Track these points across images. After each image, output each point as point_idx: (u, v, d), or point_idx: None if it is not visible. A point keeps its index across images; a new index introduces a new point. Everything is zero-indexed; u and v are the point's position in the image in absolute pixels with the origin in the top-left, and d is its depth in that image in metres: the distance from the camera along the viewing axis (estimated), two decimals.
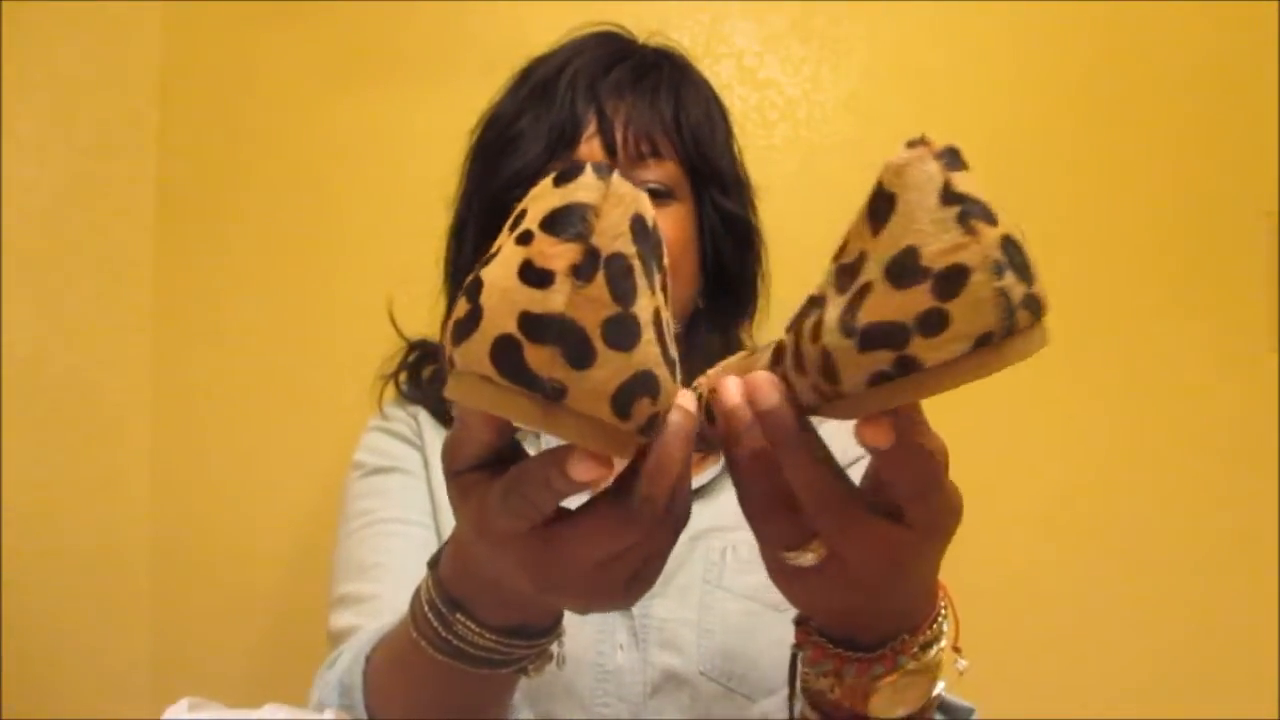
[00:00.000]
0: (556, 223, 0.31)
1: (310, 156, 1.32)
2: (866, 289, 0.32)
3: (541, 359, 0.31)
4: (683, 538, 0.73)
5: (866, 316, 0.32)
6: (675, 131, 0.78)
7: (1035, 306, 0.32)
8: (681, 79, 0.81)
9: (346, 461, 0.90)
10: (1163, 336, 1.22)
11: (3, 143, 1.24)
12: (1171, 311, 1.22)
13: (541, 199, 0.32)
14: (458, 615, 0.46)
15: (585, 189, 0.31)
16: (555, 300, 0.31)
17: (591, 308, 0.31)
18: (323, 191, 1.30)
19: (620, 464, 0.36)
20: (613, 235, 0.31)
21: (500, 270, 0.32)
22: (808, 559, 0.41)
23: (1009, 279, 0.31)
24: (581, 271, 0.31)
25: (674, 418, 0.36)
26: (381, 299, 0.96)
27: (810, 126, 1.29)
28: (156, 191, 1.34)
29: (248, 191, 1.33)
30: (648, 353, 0.32)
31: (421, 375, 0.89)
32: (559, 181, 0.32)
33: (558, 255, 0.31)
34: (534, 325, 0.31)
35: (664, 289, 0.34)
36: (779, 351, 0.39)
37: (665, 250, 0.35)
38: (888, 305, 0.32)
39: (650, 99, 0.78)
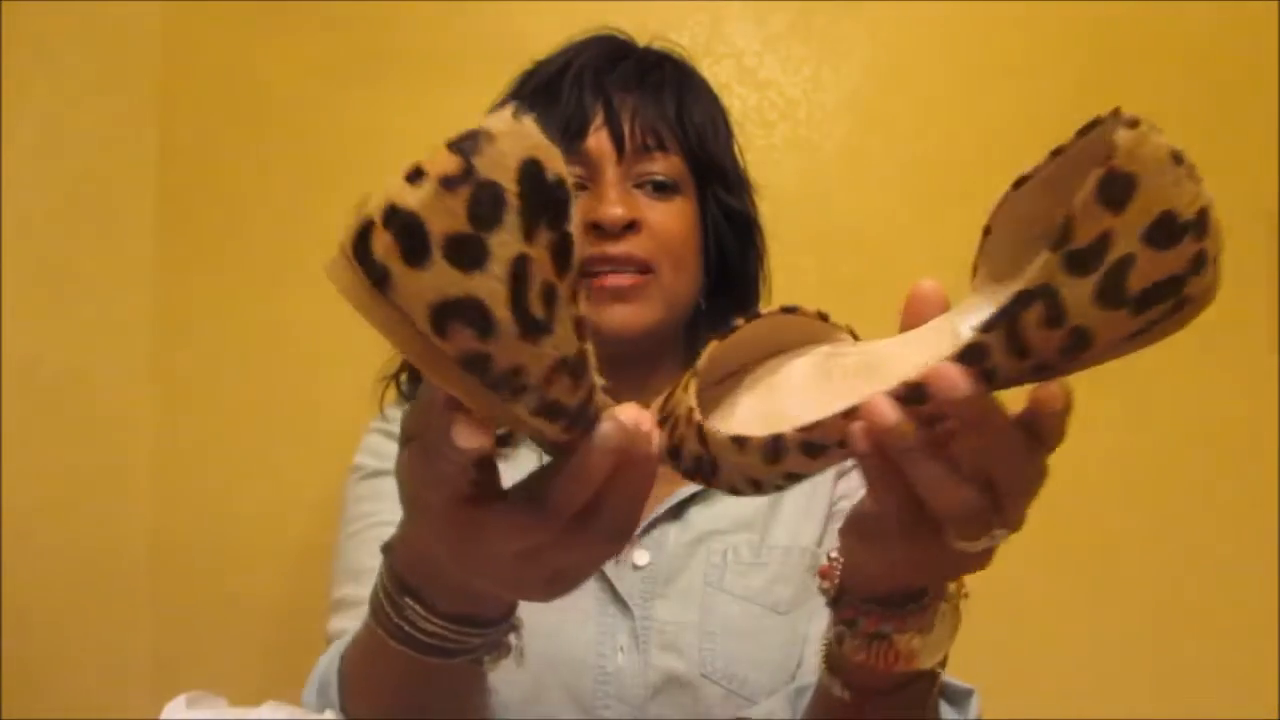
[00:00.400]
0: (457, 139, 0.32)
1: (310, 156, 1.32)
2: (1128, 261, 0.35)
3: (382, 244, 0.32)
4: (683, 540, 0.73)
5: (1139, 283, 0.35)
6: (680, 128, 0.78)
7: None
8: (684, 80, 0.82)
9: (347, 462, 0.90)
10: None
11: (3, 143, 1.24)
12: None
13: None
14: (407, 600, 0.45)
15: (497, 120, 0.32)
16: (414, 197, 0.32)
17: (442, 217, 0.31)
18: (323, 191, 1.30)
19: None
20: (495, 164, 0.31)
21: (399, 172, 0.33)
22: (985, 541, 0.41)
23: (1211, 240, 0.37)
24: (450, 182, 0.31)
25: (604, 428, 0.35)
26: None
27: (810, 126, 1.29)
28: (157, 192, 1.34)
29: (248, 192, 1.33)
30: (490, 287, 0.32)
31: (423, 377, 0.89)
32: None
33: (438, 163, 0.32)
34: (389, 214, 0.32)
35: (556, 259, 0.33)
36: (975, 350, 0.38)
37: (574, 242, 0.34)
38: (1158, 266, 0.35)
39: (655, 95, 0.78)
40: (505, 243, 0.32)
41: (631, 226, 0.75)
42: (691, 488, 0.77)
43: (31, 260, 1.26)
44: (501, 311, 0.32)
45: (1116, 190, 0.34)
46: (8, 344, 1.24)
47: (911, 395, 0.38)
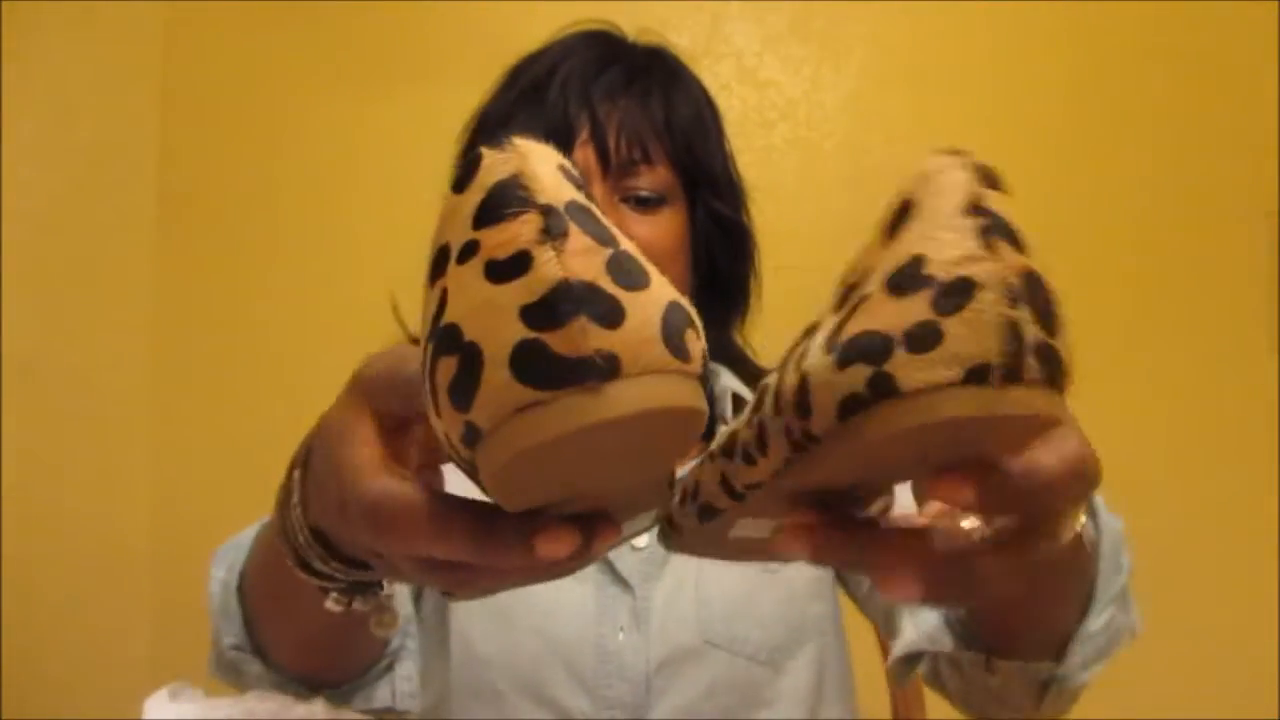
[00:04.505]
0: (492, 211, 0.27)
1: (310, 156, 1.32)
2: (863, 301, 0.29)
3: (572, 339, 0.26)
4: None
5: (853, 328, 0.28)
6: (667, 135, 0.78)
7: (1053, 362, 0.27)
8: (672, 81, 0.81)
9: None
10: (1163, 336, 1.22)
11: (3, 143, 1.24)
12: (1171, 311, 1.22)
13: (457, 213, 0.28)
14: (294, 501, 0.42)
15: (499, 165, 0.27)
16: (546, 274, 0.26)
17: (585, 259, 0.26)
18: (323, 191, 1.30)
19: None
20: (556, 187, 0.27)
21: (463, 298, 0.27)
22: None
23: (1024, 313, 0.27)
24: (552, 230, 0.26)
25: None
26: (381, 297, 0.96)
27: (810, 126, 1.29)
28: (156, 192, 1.34)
29: (247, 191, 1.33)
30: (664, 284, 0.28)
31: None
32: (461, 186, 0.28)
33: (516, 235, 0.26)
34: (541, 313, 0.26)
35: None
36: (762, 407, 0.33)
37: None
38: (879, 315, 0.28)
39: (642, 103, 0.78)
40: (629, 243, 0.29)
41: None
42: (688, 467, 0.77)
43: (31, 260, 1.26)
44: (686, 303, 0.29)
45: (896, 218, 0.30)
46: (8, 344, 1.24)
47: None
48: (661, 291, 0.28)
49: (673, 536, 0.41)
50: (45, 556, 1.26)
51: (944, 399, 0.27)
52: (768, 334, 0.89)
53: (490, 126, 0.80)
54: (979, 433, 0.28)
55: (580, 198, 0.28)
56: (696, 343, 0.28)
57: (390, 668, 0.65)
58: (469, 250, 0.27)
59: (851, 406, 0.28)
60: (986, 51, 1.29)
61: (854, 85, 1.29)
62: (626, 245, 0.28)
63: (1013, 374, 0.27)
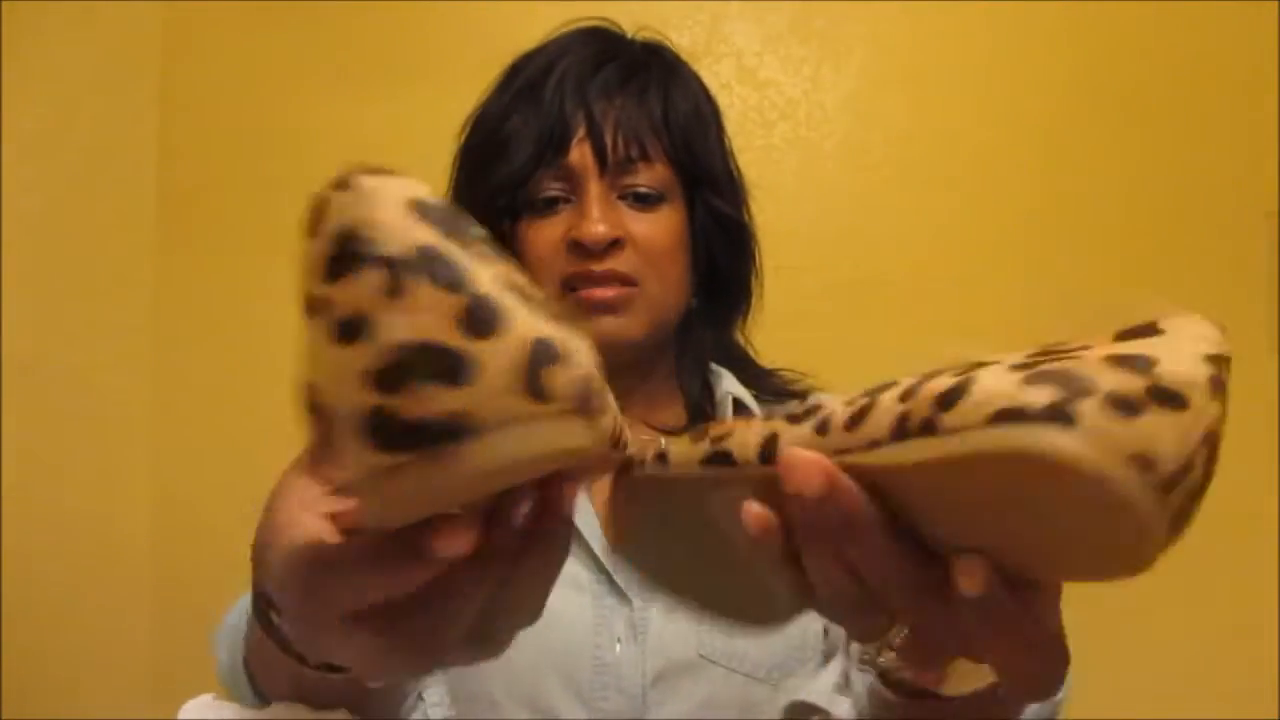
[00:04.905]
0: (334, 265, 0.26)
1: (310, 157, 1.32)
2: (1073, 354, 0.29)
3: (419, 403, 0.25)
4: None
5: (1056, 365, 0.28)
6: (665, 132, 0.78)
7: (1185, 515, 0.28)
8: (670, 77, 0.81)
9: None
10: None
11: (3, 143, 1.24)
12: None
13: (306, 261, 0.27)
14: (274, 615, 0.40)
15: (342, 209, 0.26)
16: (386, 339, 0.25)
17: (429, 316, 0.25)
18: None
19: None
20: (403, 232, 0.26)
21: (315, 358, 0.27)
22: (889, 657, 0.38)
23: (1201, 454, 0.28)
24: (393, 286, 0.25)
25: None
26: None
27: (810, 126, 1.29)
28: (156, 192, 1.34)
29: (247, 191, 1.33)
30: (533, 319, 0.27)
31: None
32: (309, 232, 0.28)
33: (357, 295, 0.26)
34: (385, 378, 0.26)
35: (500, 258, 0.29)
36: (854, 417, 0.32)
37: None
38: (1090, 365, 0.28)
39: (639, 99, 0.77)
40: (492, 278, 0.27)
41: (615, 244, 0.74)
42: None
43: (31, 260, 1.26)
44: (557, 331, 0.28)
45: (1139, 330, 0.30)
46: (8, 344, 1.24)
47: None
48: (527, 329, 0.27)
49: (620, 486, 0.40)
50: (45, 556, 1.26)
51: (1104, 454, 0.26)
52: (768, 334, 0.89)
53: (487, 127, 0.80)
54: (1086, 518, 0.28)
55: (432, 239, 0.26)
56: (568, 374, 0.27)
57: (420, 697, 0.65)
58: (317, 306, 0.27)
59: (1010, 416, 0.27)
60: (986, 51, 1.29)
61: (854, 85, 1.29)
62: (487, 285, 0.26)
63: (1167, 486, 0.27)
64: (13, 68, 1.25)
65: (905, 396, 0.30)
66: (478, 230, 0.28)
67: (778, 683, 0.72)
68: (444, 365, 0.25)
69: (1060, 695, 0.60)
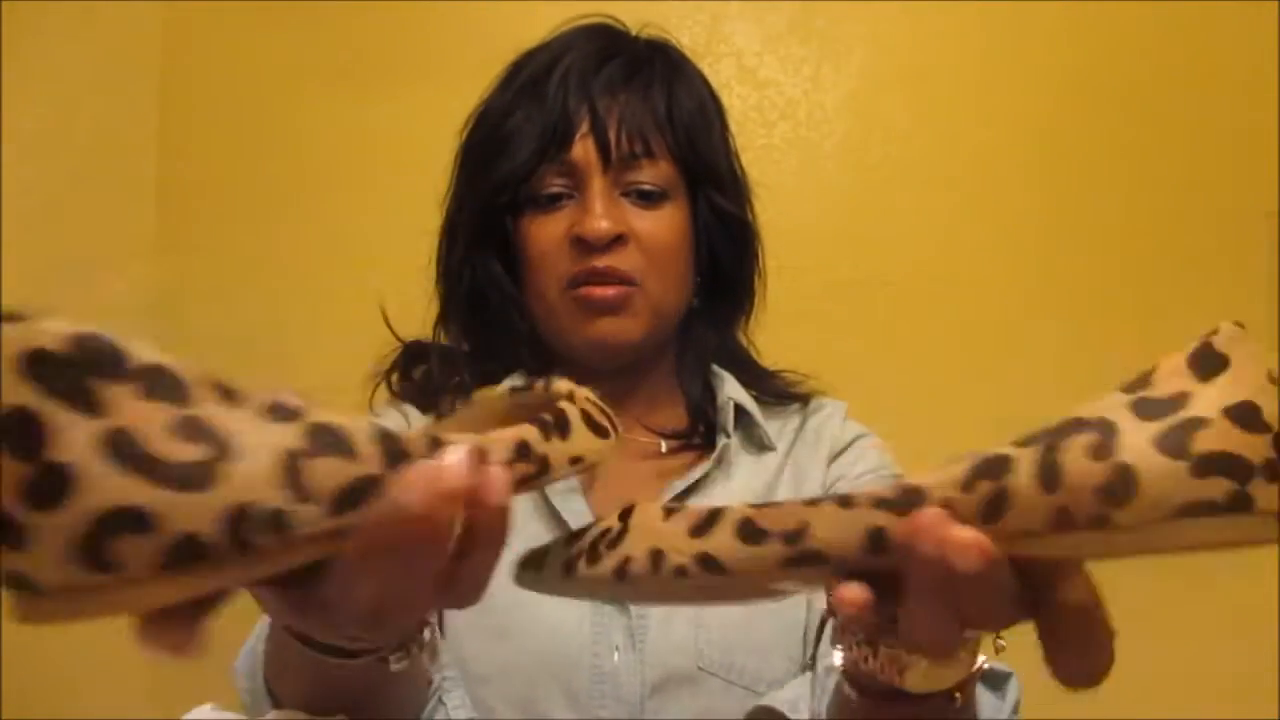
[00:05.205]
0: None
1: (309, 157, 1.32)
2: (1200, 423, 0.33)
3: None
4: None
5: (1206, 445, 0.33)
6: (669, 129, 0.77)
7: None
8: (674, 74, 0.81)
9: None
10: (1163, 336, 1.22)
11: (3, 142, 1.24)
12: (1172, 311, 1.22)
13: None
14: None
15: None
16: None
17: (7, 481, 0.26)
18: (321, 192, 1.30)
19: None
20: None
21: None
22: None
23: None
24: None
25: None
26: (381, 296, 0.96)
27: (810, 126, 1.29)
28: (156, 191, 1.34)
29: (247, 191, 1.33)
30: (107, 487, 0.27)
31: (413, 375, 0.88)
32: None
33: None
34: None
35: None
36: (984, 468, 0.36)
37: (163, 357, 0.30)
38: (1231, 440, 0.33)
39: (643, 96, 0.77)
40: (79, 438, 0.28)
41: (618, 240, 0.74)
42: (685, 483, 0.77)
43: (31, 258, 1.26)
44: (152, 494, 0.29)
45: (1209, 363, 0.35)
46: None
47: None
48: (92, 501, 0.27)
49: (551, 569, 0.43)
50: None
51: (1276, 520, 0.33)
52: (767, 333, 0.89)
53: (490, 124, 0.79)
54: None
55: (29, 399, 0.26)
56: (136, 545, 0.28)
57: (441, 700, 0.65)
58: None
59: (1194, 512, 0.33)
60: (986, 51, 1.29)
61: (854, 85, 1.29)
62: (74, 451, 0.27)
63: None
64: (13, 68, 1.25)
65: (1048, 483, 0.34)
66: (136, 362, 0.29)
67: None
68: (7, 533, 0.27)
69: (1016, 696, 0.61)
